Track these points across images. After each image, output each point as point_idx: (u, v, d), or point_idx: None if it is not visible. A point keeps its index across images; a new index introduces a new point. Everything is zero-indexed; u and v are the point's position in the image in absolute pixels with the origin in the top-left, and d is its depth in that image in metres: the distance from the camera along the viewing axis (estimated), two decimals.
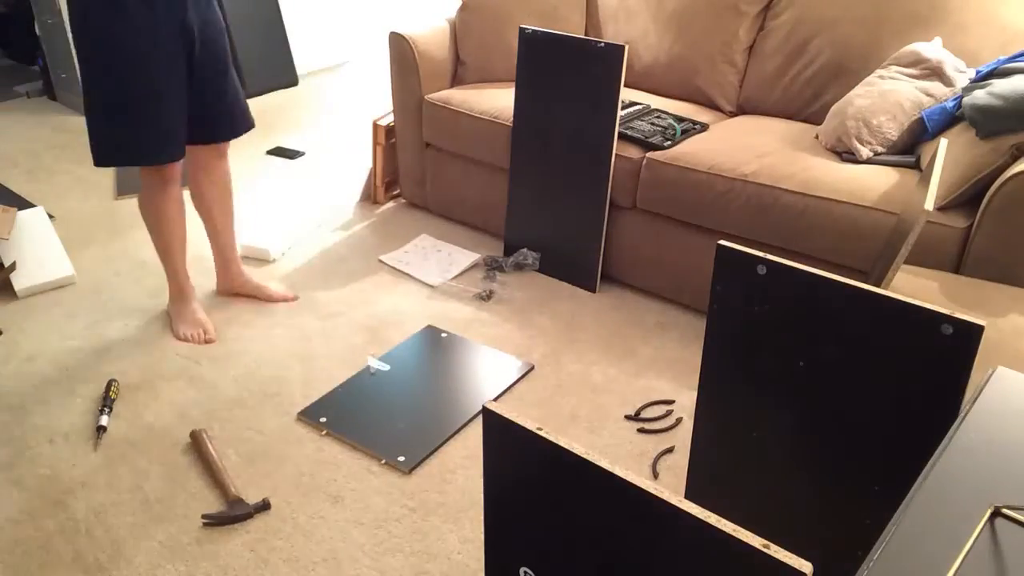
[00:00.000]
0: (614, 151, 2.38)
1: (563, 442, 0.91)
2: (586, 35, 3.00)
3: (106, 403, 1.98)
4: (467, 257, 2.75)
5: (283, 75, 4.54)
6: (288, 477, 1.80)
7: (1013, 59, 2.04)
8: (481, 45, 2.91)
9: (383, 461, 1.85)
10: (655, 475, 1.82)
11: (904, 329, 1.10)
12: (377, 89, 4.45)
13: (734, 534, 0.78)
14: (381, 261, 2.72)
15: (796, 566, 0.74)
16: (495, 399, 2.06)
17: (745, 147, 2.27)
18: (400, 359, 2.21)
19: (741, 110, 2.74)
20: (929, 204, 1.38)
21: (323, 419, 1.97)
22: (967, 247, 1.84)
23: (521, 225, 2.68)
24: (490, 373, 2.14)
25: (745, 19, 2.65)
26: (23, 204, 3.08)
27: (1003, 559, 0.70)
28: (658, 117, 2.55)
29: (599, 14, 2.99)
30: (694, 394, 2.04)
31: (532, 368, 2.17)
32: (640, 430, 1.96)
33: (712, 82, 2.73)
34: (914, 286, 1.68)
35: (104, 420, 1.93)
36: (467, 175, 2.86)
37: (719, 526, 0.79)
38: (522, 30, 2.50)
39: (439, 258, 2.75)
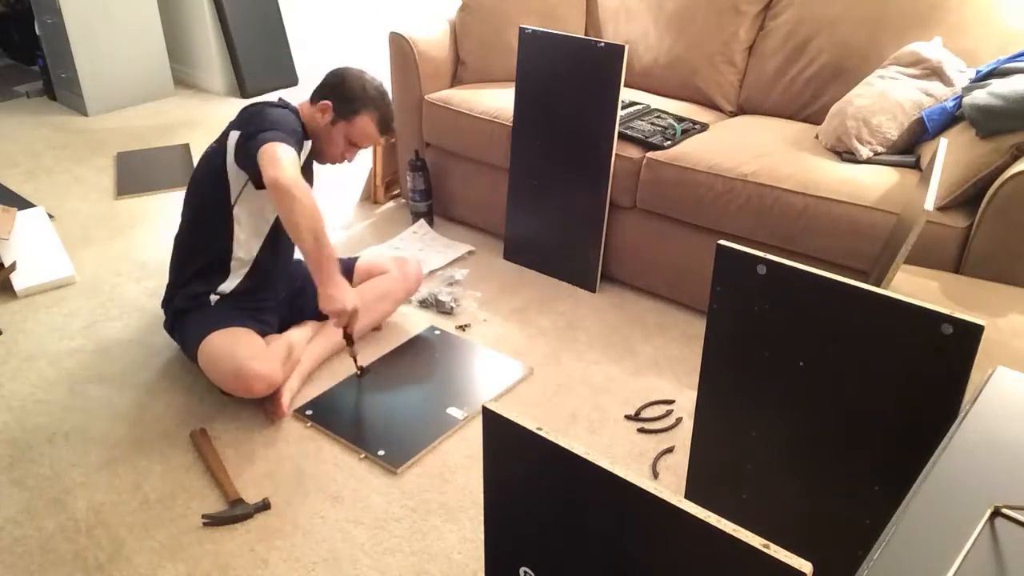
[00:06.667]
0: (614, 151, 2.38)
1: (563, 442, 0.91)
2: (586, 35, 3.00)
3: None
4: (459, 248, 2.76)
5: (283, 75, 4.54)
6: (288, 477, 1.80)
7: (1013, 59, 2.04)
8: (481, 45, 2.90)
9: (363, 456, 1.86)
10: (655, 475, 1.82)
11: (904, 329, 1.10)
12: None
13: (734, 534, 0.78)
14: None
15: (796, 566, 0.74)
16: (491, 401, 2.06)
17: (745, 147, 2.27)
18: (397, 359, 2.21)
19: (741, 110, 2.74)
20: (929, 204, 1.38)
21: (309, 412, 1.99)
22: (967, 247, 1.84)
23: (521, 225, 2.68)
24: (488, 375, 2.14)
25: (745, 19, 2.65)
26: (23, 204, 3.07)
27: (1003, 559, 0.70)
28: (658, 117, 2.55)
29: (599, 14, 2.99)
30: (694, 394, 2.04)
31: (531, 371, 2.17)
32: (640, 430, 1.96)
33: (712, 82, 2.72)
34: (914, 286, 1.68)
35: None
36: (467, 175, 2.86)
37: (719, 526, 0.79)
38: (522, 30, 2.50)
39: (434, 247, 2.75)
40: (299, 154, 1.90)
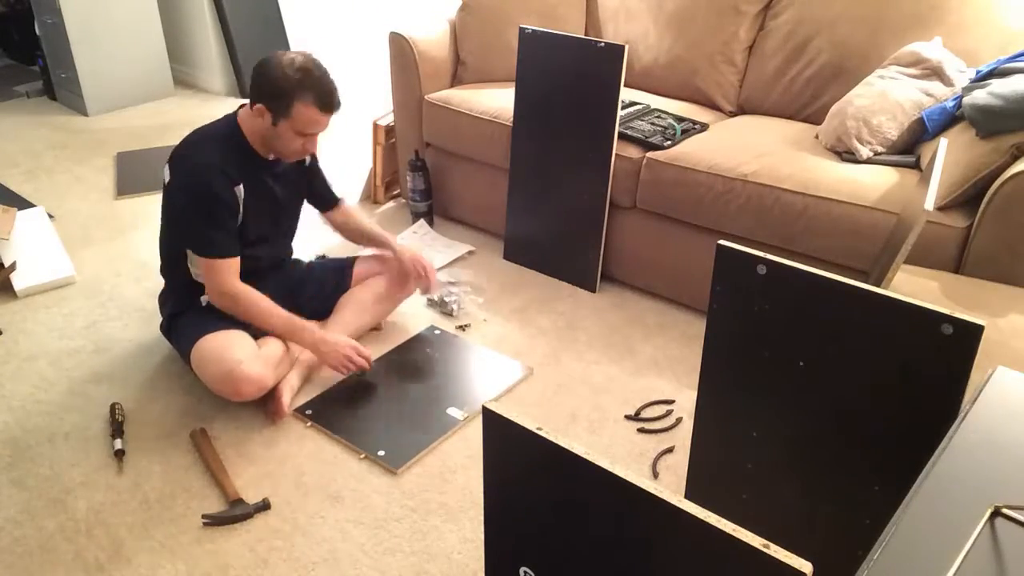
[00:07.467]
0: (614, 151, 2.38)
1: (563, 442, 0.91)
2: (586, 35, 3.00)
3: (115, 427, 1.91)
4: (459, 248, 2.76)
5: None
6: (288, 477, 1.80)
7: (1013, 59, 2.04)
8: (481, 45, 2.90)
9: (363, 456, 1.86)
10: (655, 475, 1.82)
11: (904, 329, 1.10)
12: (377, 89, 4.45)
13: (734, 534, 0.78)
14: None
15: (796, 566, 0.74)
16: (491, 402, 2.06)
17: (745, 147, 2.27)
18: (397, 359, 2.21)
19: (741, 110, 2.74)
20: (929, 204, 1.38)
21: (309, 412, 1.99)
22: (967, 247, 1.84)
23: (521, 225, 2.68)
24: (488, 375, 2.14)
25: (745, 19, 2.65)
26: (23, 204, 3.08)
27: (1003, 559, 0.70)
28: (658, 117, 2.55)
29: (599, 14, 2.99)
30: (694, 394, 2.04)
31: (531, 371, 2.17)
32: (640, 430, 1.96)
33: (712, 82, 2.72)
34: (914, 286, 1.68)
35: (119, 444, 1.86)
36: (467, 175, 2.86)
37: (719, 526, 0.79)
38: (522, 30, 2.50)
39: (434, 247, 2.75)
40: (235, 216, 1.92)
